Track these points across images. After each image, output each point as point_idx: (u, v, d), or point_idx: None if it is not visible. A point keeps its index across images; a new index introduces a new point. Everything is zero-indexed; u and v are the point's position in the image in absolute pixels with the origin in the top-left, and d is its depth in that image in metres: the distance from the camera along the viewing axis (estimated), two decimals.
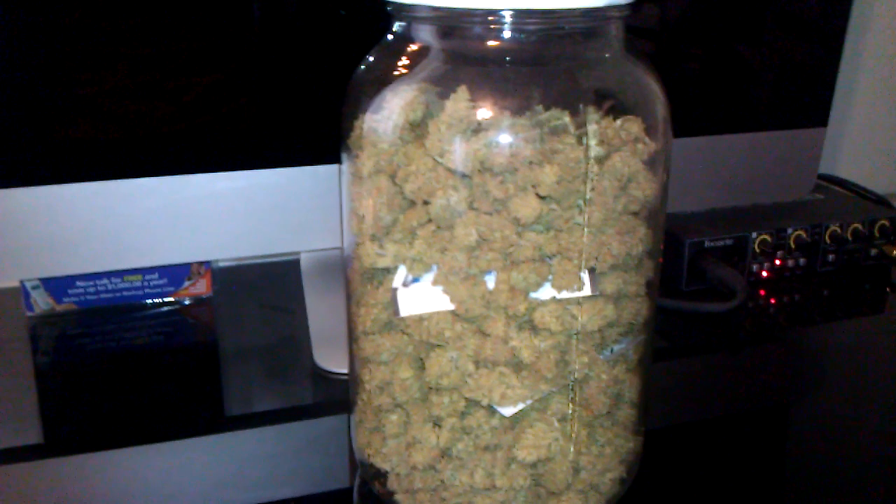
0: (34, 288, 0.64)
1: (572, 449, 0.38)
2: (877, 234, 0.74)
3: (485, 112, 0.35)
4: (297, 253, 0.72)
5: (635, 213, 0.38)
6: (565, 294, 0.36)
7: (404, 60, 0.38)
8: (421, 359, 0.38)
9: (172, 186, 0.55)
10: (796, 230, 0.71)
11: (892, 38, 0.88)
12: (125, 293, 0.66)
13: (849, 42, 0.72)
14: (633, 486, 0.43)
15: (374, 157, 0.38)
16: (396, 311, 0.38)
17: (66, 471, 0.49)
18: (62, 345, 0.62)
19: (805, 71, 0.70)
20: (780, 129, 0.70)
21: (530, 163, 0.35)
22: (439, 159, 0.35)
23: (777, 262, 0.71)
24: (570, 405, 0.38)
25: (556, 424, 0.37)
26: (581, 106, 0.36)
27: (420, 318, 0.37)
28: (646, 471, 0.44)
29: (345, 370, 0.55)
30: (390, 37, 0.40)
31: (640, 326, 0.40)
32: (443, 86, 0.36)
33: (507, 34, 0.36)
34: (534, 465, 0.38)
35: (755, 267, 0.70)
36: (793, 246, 0.71)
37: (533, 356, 0.36)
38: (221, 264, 0.74)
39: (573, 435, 0.38)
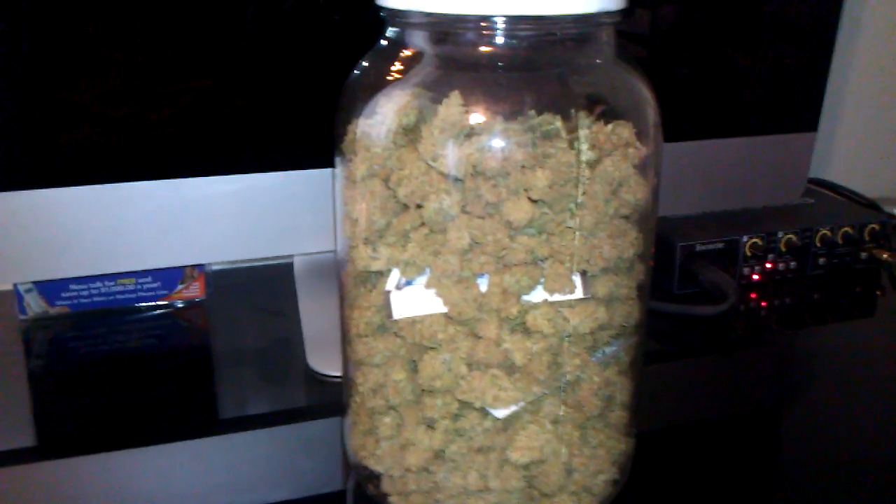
0: (27, 291, 0.64)
1: (565, 450, 0.38)
2: (867, 238, 0.74)
3: (477, 117, 0.36)
4: (291, 256, 0.72)
5: (626, 217, 0.38)
6: (557, 297, 0.36)
7: (398, 66, 0.39)
8: (414, 361, 0.38)
9: (166, 190, 0.55)
10: (787, 234, 0.71)
11: (882, 42, 0.88)
12: (118, 296, 0.66)
13: (839, 47, 0.72)
14: (625, 488, 0.43)
15: (367, 162, 0.38)
16: (390, 314, 0.38)
17: (59, 474, 0.49)
18: (55, 348, 0.62)
19: (795, 75, 0.71)
20: (770, 133, 0.70)
21: (522, 167, 0.35)
22: (432, 163, 0.36)
23: (768, 265, 0.71)
24: (563, 407, 0.38)
25: (549, 426, 0.38)
26: (573, 111, 0.36)
27: (413, 321, 0.37)
28: (638, 472, 0.44)
29: (338, 373, 0.55)
30: (384, 42, 0.40)
31: (631, 329, 0.40)
32: (436, 91, 0.36)
33: (499, 40, 0.36)
34: (527, 467, 0.38)
35: (746, 270, 0.71)
36: (783, 249, 0.71)
37: (525, 358, 0.36)
38: (215, 267, 0.74)
39: (566, 437, 0.38)
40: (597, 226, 0.36)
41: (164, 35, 0.53)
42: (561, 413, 0.38)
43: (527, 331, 0.37)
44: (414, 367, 0.38)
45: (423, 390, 0.38)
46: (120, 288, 0.66)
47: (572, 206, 0.36)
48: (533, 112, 0.36)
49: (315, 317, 0.63)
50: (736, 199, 0.72)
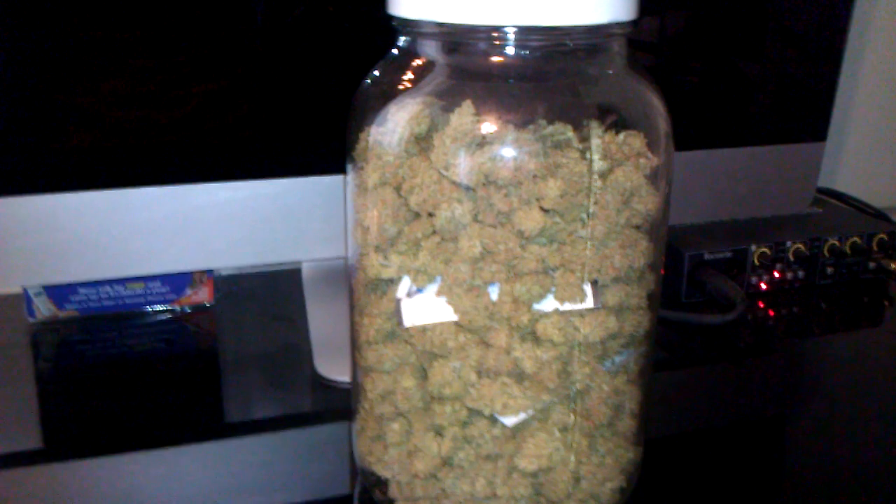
0: (37, 294, 0.65)
1: (573, 458, 0.38)
2: (875, 248, 0.74)
3: (489, 126, 0.36)
4: (299, 262, 0.72)
5: (637, 227, 0.38)
6: (568, 306, 0.36)
7: (409, 74, 0.39)
8: (423, 368, 0.38)
9: (175, 195, 0.56)
10: (795, 243, 0.71)
11: (891, 52, 0.88)
12: (127, 300, 0.66)
13: (848, 56, 0.72)
14: (632, 496, 0.43)
15: (379, 170, 0.38)
16: (400, 322, 0.38)
17: (66, 476, 0.49)
18: (64, 351, 0.63)
19: (804, 85, 0.71)
20: (779, 143, 0.70)
21: (534, 176, 0.35)
22: (444, 172, 0.36)
23: (776, 274, 0.71)
24: (572, 415, 0.38)
25: (558, 434, 0.38)
26: (584, 121, 0.36)
27: (423, 329, 0.38)
28: (645, 480, 0.44)
29: (345, 378, 0.55)
30: (395, 51, 0.40)
31: (641, 338, 0.40)
32: (447, 100, 0.37)
33: (510, 50, 0.36)
34: (535, 475, 0.38)
35: (754, 279, 0.71)
36: (792, 259, 0.71)
37: (535, 367, 0.36)
38: (223, 273, 0.75)
39: (574, 445, 0.38)
40: (608, 235, 0.36)
41: (174, 39, 0.53)
42: (570, 421, 0.38)
43: (537, 339, 0.37)
44: (423, 375, 0.38)
45: (432, 397, 0.38)
46: (129, 292, 0.66)
47: (584, 215, 0.36)
48: (544, 122, 0.36)
49: (323, 322, 0.63)
50: (744, 209, 0.72)
